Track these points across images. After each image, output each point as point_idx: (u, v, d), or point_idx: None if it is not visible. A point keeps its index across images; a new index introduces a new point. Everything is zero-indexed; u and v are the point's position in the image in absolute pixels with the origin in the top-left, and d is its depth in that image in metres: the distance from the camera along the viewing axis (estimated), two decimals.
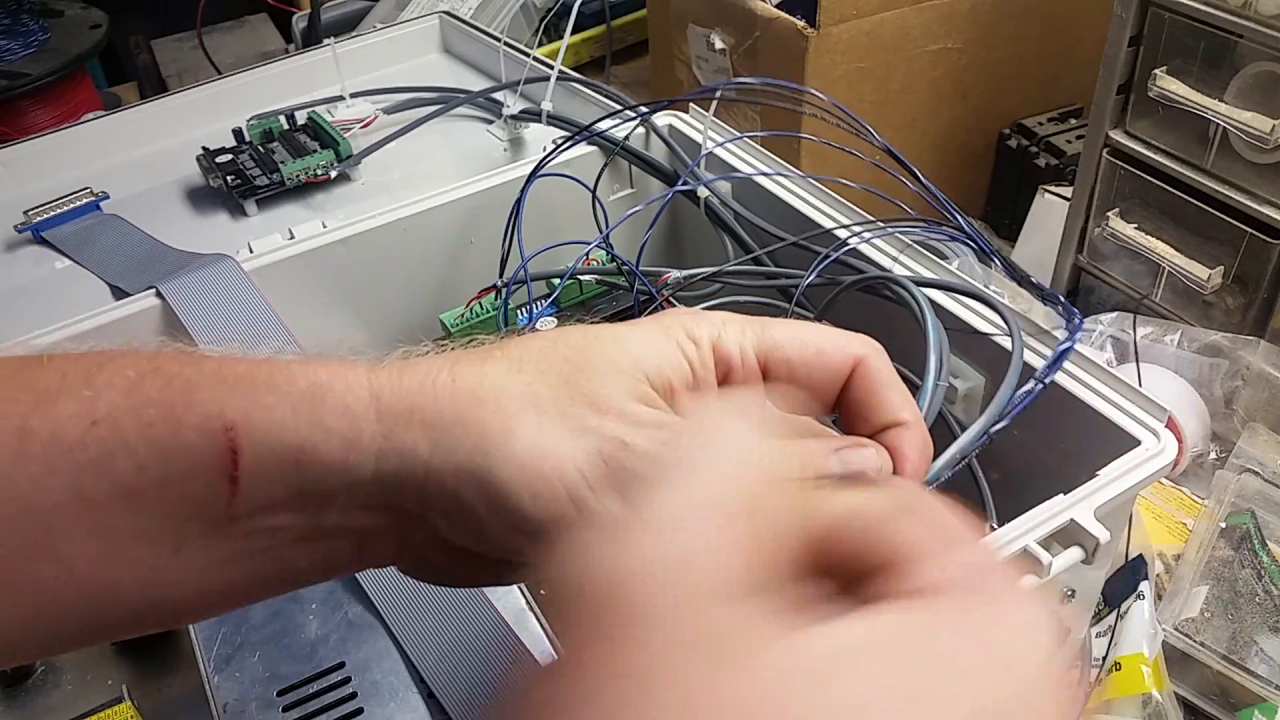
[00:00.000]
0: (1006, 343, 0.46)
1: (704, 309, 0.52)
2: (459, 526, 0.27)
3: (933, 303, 0.44)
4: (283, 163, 0.70)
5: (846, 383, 0.30)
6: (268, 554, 0.27)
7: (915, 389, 0.48)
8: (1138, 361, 0.78)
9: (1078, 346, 0.45)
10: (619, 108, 0.68)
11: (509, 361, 0.28)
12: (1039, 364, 0.43)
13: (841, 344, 0.30)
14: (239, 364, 0.27)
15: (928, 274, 0.49)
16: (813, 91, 0.44)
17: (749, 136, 0.60)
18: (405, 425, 0.27)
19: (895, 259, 0.50)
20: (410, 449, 0.26)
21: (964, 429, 0.35)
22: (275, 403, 0.26)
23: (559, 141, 0.60)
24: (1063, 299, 0.40)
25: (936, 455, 0.30)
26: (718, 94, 0.59)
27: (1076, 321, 0.37)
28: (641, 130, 0.64)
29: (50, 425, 0.25)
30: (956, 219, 0.37)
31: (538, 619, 0.42)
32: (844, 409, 0.30)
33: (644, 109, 0.62)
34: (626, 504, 0.25)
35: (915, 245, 0.51)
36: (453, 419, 0.27)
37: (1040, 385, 0.36)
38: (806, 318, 0.51)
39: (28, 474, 0.25)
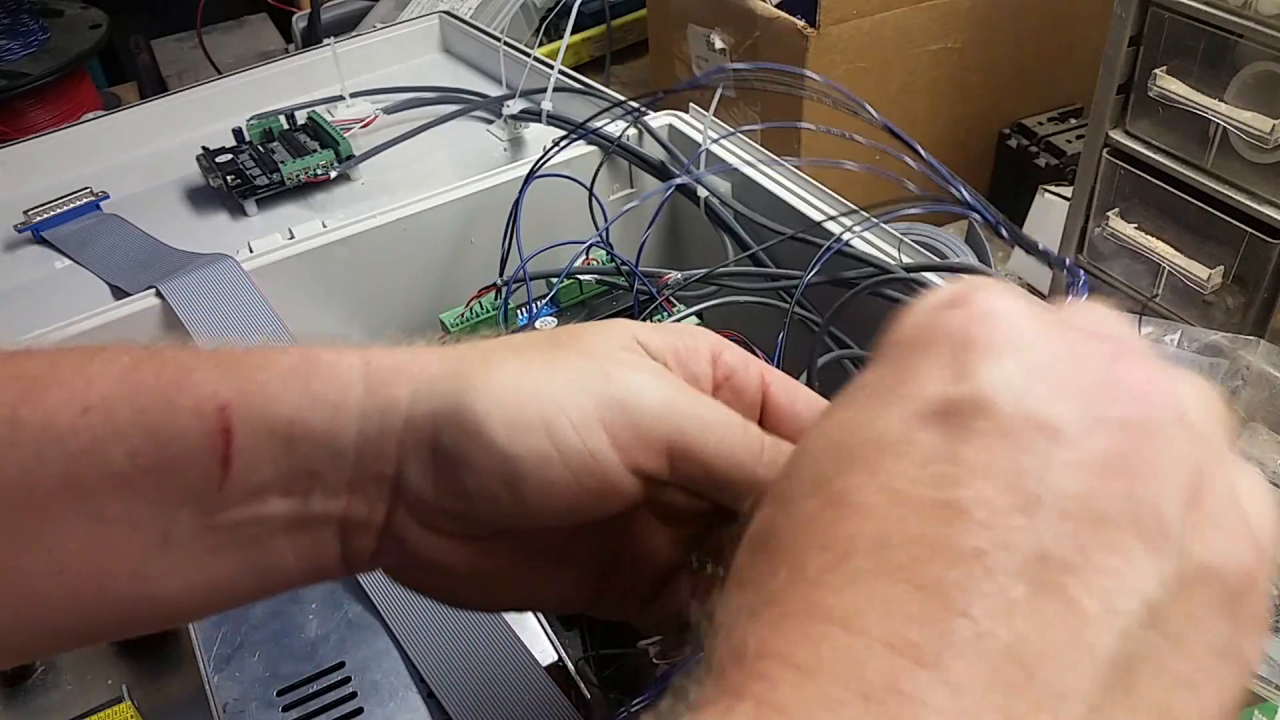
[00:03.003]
0: None
1: (705, 308, 0.52)
2: (435, 479, 0.27)
3: None
4: (283, 163, 0.70)
5: None
6: (254, 547, 0.27)
7: None
8: None
9: None
10: (616, 105, 0.68)
11: (504, 338, 0.29)
12: None
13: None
14: (234, 349, 0.27)
15: (933, 260, 0.49)
16: (810, 74, 0.44)
17: (746, 130, 0.60)
18: (390, 383, 0.27)
19: (895, 257, 0.50)
20: (391, 402, 0.26)
21: None
22: (268, 379, 0.26)
23: (557, 140, 0.60)
24: (1068, 261, 0.40)
25: None
26: (720, 89, 0.59)
27: (1081, 282, 0.36)
28: (639, 130, 0.64)
29: (41, 413, 0.25)
30: (960, 192, 0.37)
31: (538, 618, 0.42)
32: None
33: (635, 103, 0.62)
34: (612, 440, 0.26)
35: (913, 244, 0.51)
36: (437, 372, 0.27)
37: None
38: (809, 317, 0.51)
39: (18, 462, 0.24)
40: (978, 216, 0.38)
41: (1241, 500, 0.20)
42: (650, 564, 0.31)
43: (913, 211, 0.42)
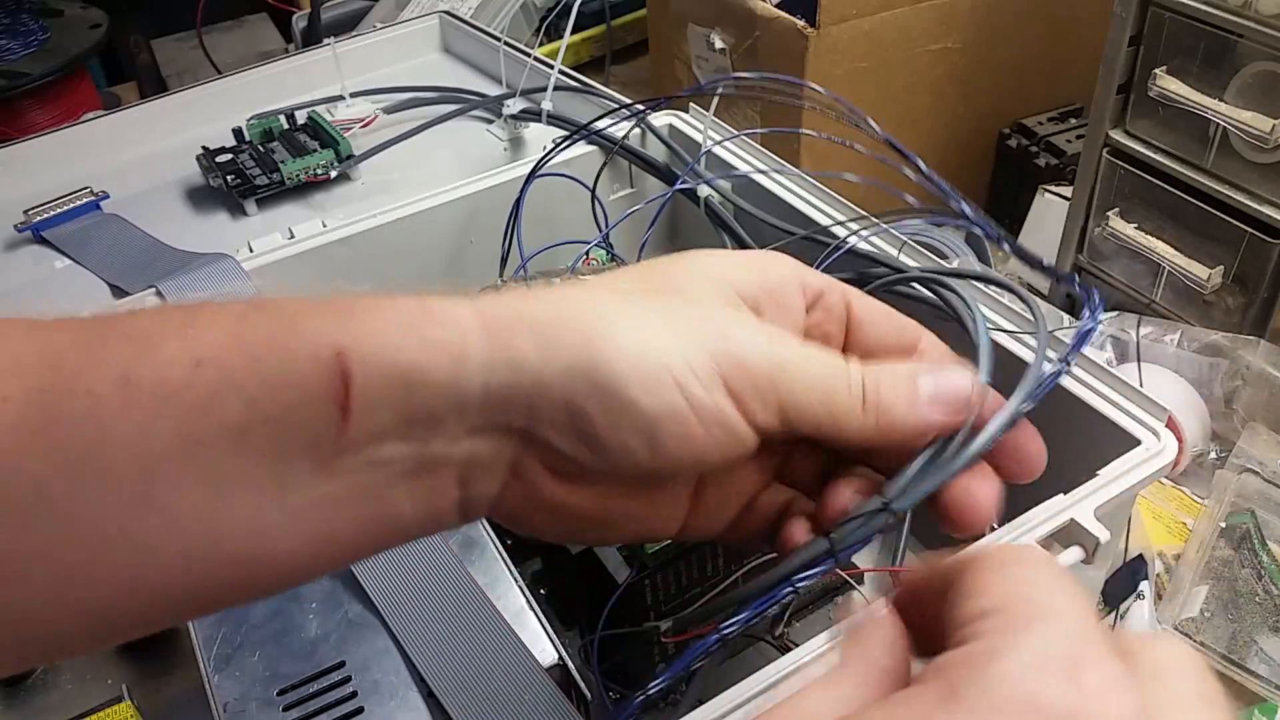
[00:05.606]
0: (1013, 341, 0.45)
1: None
2: (571, 435, 0.27)
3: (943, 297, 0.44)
4: (283, 162, 0.70)
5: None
6: (371, 494, 0.26)
7: None
8: (1139, 362, 0.78)
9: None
10: (618, 106, 0.68)
11: (601, 279, 0.29)
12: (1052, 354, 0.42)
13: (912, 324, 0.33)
14: (340, 297, 0.27)
15: (937, 261, 0.49)
16: (811, 85, 0.44)
17: (748, 134, 0.60)
18: (511, 332, 0.27)
19: (897, 258, 0.50)
20: (518, 356, 0.26)
21: None
22: (383, 326, 0.26)
23: (558, 140, 0.60)
24: (1078, 279, 0.40)
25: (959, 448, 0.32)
26: (718, 91, 0.59)
27: (1096, 300, 0.37)
28: (642, 129, 0.64)
29: (154, 370, 0.24)
30: (960, 206, 0.37)
31: (538, 618, 0.42)
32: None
33: (640, 107, 0.62)
34: (733, 396, 0.27)
35: (915, 244, 0.51)
36: (555, 319, 0.27)
37: (1065, 365, 0.36)
38: None
39: (134, 422, 0.23)
40: (979, 230, 0.38)
41: None
42: (738, 488, 0.33)
43: (914, 222, 0.42)
